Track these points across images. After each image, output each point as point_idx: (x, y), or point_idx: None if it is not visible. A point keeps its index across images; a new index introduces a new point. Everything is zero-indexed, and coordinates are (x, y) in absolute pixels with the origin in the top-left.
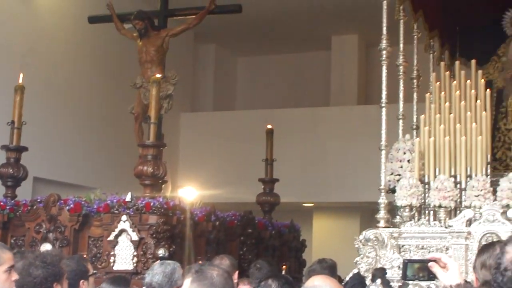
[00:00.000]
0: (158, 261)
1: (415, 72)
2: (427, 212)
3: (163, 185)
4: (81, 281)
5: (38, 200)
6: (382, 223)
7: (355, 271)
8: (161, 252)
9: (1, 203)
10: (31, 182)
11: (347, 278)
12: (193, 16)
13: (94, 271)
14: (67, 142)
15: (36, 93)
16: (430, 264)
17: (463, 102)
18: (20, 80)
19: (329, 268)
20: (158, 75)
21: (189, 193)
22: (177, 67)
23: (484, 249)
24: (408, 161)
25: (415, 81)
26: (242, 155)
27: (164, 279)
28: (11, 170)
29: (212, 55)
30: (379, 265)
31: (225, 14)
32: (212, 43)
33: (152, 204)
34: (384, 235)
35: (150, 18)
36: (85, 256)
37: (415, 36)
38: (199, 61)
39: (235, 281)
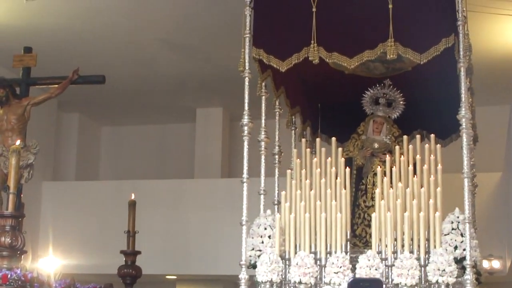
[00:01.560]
0: None
1: (276, 148)
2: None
3: (22, 256)
4: None
5: None
6: None
7: None
8: None
9: None
10: None
11: None
12: (56, 86)
13: None
14: None
15: None
16: None
17: (323, 180)
18: None
19: None
20: (18, 144)
21: (49, 263)
22: (40, 136)
23: None
24: (269, 236)
25: (276, 156)
26: (105, 226)
27: None
28: None
29: (75, 124)
30: None
31: (89, 85)
32: (76, 112)
33: (9, 276)
34: None
35: (12, 86)
36: None
37: (277, 112)
38: (62, 130)
39: None
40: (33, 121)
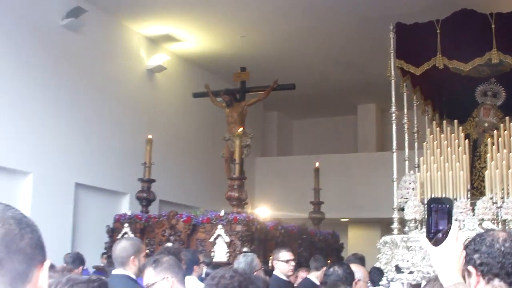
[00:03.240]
0: (242, 253)
1: (415, 128)
2: None
3: (244, 205)
4: (194, 266)
5: (163, 215)
6: (395, 231)
7: (377, 264)
8: (245, 249)
9: (139, 216)
10: (158, 203)
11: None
12: (262, 92)
13: (202, 261)
14: (182, 176)
15: (161, 143)
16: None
17: (449, 148)
18: (150, 136)
19: (359, 259)
20: (240, 131)
21: (262, 211)
22: (252, 126)
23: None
24: (413, 188)
25: (415, 134)
26: (297, 186)
27: (246, 266)
28: (145, 194)
29: (275, 119)
30: (394, 261)
31: (284, 91)
32: (275, 111)
33: (238, 217)
34: (397, 239)
35: (234, 93)
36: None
37: (415, 104)
38: (267, 123)
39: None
40: (248, 117)
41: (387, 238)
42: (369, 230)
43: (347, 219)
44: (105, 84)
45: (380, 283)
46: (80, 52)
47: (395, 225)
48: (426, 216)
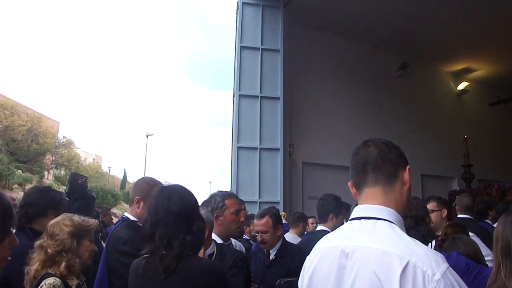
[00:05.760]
0: None
1: None
2: None
3: None
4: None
5: (481, 187)
6: None
7: None
8: None
9: (465, 190)
10: (476, 180)
11: None
12: None
13: None
14: (491, 161)
15: (472, 139)
16: None
17: None
18: (466, 136)
19: None
20: None
21: None
22: None
23: None
24: None
25: None
26: None
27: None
28: (467, 175)
29: None
30: None
31: None
32: None
33: None
34: None
35: None
36: None
37: None
38: None
39: None
40: None
41: None
42: None
43: None
44: (426, 106)
45: None
46: (410, 89)
47: None
48: None
